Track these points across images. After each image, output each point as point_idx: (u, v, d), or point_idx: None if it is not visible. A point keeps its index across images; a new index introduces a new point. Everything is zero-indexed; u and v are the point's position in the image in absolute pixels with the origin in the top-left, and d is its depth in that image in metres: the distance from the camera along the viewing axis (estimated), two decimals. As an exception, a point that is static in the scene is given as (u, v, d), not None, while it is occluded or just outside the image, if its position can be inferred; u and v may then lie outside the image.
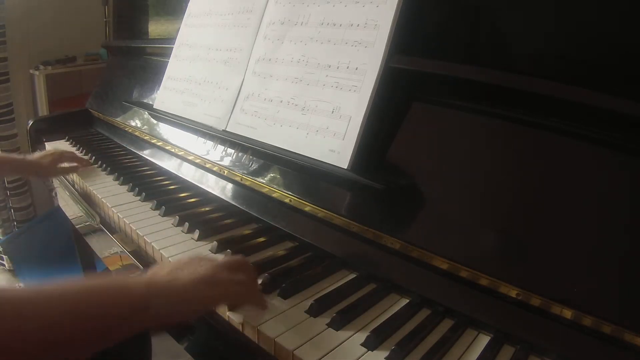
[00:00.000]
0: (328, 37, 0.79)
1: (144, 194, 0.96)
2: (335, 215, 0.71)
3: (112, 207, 0.93)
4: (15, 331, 0.40)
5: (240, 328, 0.59)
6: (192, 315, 0.56)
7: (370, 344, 0.54)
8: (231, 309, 0.60)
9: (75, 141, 1.39)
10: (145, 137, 1.21)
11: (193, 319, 0.60)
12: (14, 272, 2.01)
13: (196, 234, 0.79)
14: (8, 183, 2.26)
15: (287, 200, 0.79)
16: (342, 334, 0.56)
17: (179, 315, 0.53)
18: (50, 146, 1.38)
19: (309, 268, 0.70)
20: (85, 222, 1.05)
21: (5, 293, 0.42)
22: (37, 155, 1.14)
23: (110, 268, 0.92)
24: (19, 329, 0.40)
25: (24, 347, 0.40)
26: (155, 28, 1.56)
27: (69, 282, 0.47)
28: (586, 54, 0.61)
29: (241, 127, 0.90)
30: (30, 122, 1.50)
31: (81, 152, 1.30)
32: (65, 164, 1.14)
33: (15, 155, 1.31)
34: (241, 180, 0.88)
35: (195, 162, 1.02)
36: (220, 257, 0.73)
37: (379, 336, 0.55)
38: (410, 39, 0.72)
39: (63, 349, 0.43)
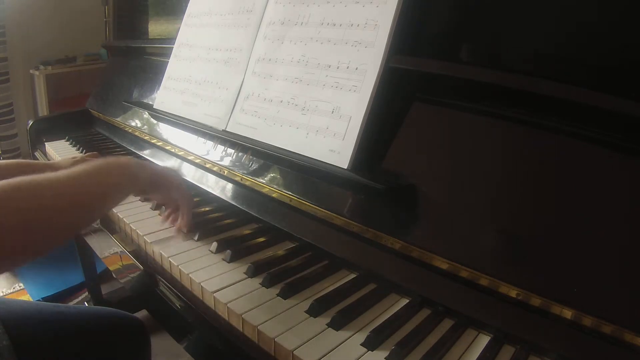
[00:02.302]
0: (328, 37, 0.79)
1: (144, 194, 0.96)
2: (335, 215, 0.71)
3: (112, 207, 0.93)
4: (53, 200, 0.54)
5: (240, 328, 0.59)
6: (162, 191, 0.78)
7: (370, 344, 0.54)
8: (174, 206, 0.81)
9: (75, 141, 1.39)
10: (145, 137, 1.21)
11: (161, 196, 0.82)
12: (14, 271, 2.01)
13: (196, 233, 0.79)
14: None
15: (287, 200, 0.79)
16: (342, 334, 0.56)
17: (154, 187, 0.77)
18: (50, 146, 1.38)
19: (309, 268, 0.70)
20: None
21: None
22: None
23: (111, 268, 0.92)
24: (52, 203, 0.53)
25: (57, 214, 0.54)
26: (155, 28, 1.55)
27: (75, 170, 0.60)
28: (588, 55, 0.61)
29: (241, 127, 0.90)
30: (30, 122, 1.50)
31: (81, 152, 1.30)
32: None
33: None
34: (241, 180, 0.88)
35: (195, 162, 1.02)
36: (220, 256, 0.73)
37: (379, 336, 0.55)
38: (411, 39, 0.72)
39: (85, 212, 0.60)
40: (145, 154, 1.20)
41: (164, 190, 0.78)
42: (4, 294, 1.92)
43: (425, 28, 0.75)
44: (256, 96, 0.89)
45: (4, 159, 2.36)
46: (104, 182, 0.63)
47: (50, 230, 0.53)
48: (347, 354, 0.53)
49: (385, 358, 0.52)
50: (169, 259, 0.72)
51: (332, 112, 0.75)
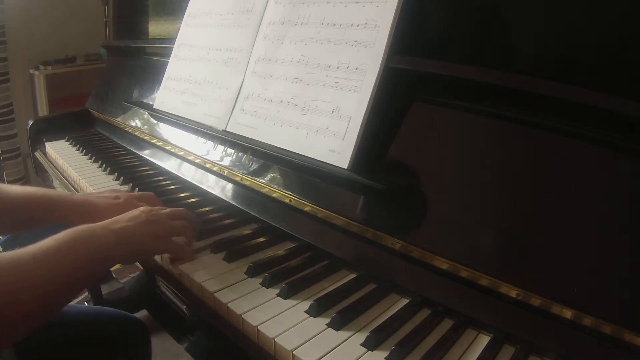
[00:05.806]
0: (328, 37, 0.79)
1: (144, 194, 0.96)
2: (335, 215, 0.71)
3: (112, 207, 0.93)
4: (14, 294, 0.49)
5: (240, 328, 0.59)
6: (143, 257, 0.72)
7: (370, 344, 0.54)
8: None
9: (75, 141, 1.39)
10: (145, 137, 1.21)
11: (145, 259, 0.74)
12: None
13: (195, 234, 0.79)
14: (8, 182, 2.26)
15: (287, 201, 0.79)
16: (342, 334, 0.56)
17: (133, 258, 0.69)
18: (50, 146, 1.37)
19: (309, 268, 0.70)
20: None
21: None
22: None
23: (111, 268, 0.92)
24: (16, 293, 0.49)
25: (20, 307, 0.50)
26: (155, 28, 1.56)
27: (42, 248, 0.54)
28: (588, 54, 0.61)
29: (241, 127, 0.90)
30: (30, 122, 1.50)
31: (81, 152, 1.30)
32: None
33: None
34: (241, 180, 0.88)
35: (195, 162, 1.02)
36: (220, 256, 0.73)
37: (379, 336, 0.55)
38: (411, 39, 0.72)
39: (50, 302, 0.54)
40: (145, 154, 1.20)
41: (158, 242, 0.67)
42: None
43: (425, 28, 0.75)
44: (256, 96, 0.89)
45: (4, 159, 2.36)
46: (70, 266, 0.55)
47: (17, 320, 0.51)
48: (347, 354, 0.53)
49: (385, 358, 0.52)
50: (168, 258, 0.72)
51: (332, 112, 0.75)
